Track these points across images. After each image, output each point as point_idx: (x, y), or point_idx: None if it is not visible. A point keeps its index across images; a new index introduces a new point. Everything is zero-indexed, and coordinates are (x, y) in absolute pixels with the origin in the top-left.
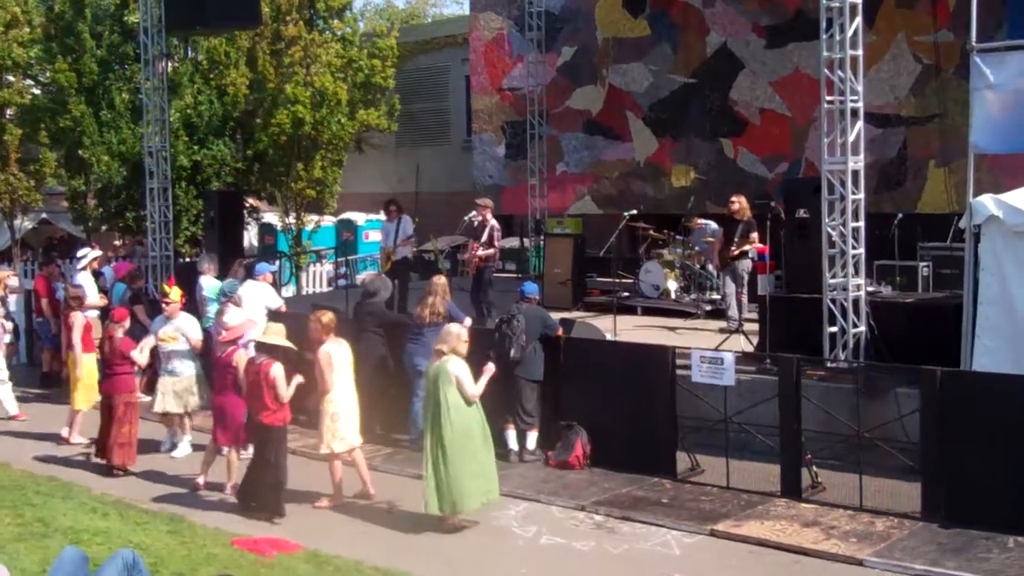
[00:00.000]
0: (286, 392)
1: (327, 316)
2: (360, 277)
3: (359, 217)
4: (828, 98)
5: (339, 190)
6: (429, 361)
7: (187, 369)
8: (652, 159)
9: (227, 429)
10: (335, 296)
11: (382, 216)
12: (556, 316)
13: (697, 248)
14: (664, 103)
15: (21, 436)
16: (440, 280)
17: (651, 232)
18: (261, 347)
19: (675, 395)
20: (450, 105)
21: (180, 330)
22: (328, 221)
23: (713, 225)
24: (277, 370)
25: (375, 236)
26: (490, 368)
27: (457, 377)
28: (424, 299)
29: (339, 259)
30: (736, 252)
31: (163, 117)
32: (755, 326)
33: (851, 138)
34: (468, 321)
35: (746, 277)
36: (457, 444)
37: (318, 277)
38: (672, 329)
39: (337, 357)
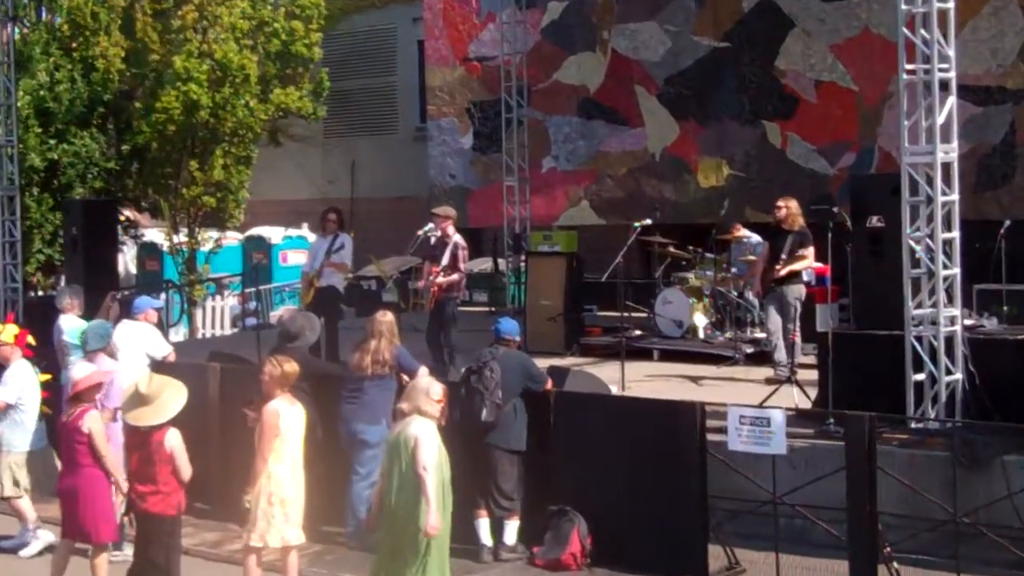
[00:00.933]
0: (188, 467)
1: (290, 365)
2: (276, 314)
3: (274, 233)
4: (908, 66)
5: (247, 197)
6: (379, 425)
7: (21, 438)
8: (671, 150)
9: (84, 520)
10: (242, 340)
11: (306, 231)
12: (543, 364)
13: (734, 270)
14: (687, 75)
15: None
16: (386, 317)
17: (671, 249)
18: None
19: (705, 468)
20: (397, 81)
21: (9, 383)
22: (232, 239)
23: (755, 238)
24: (174, 438)
25: (296, 258)
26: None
27: (416, 437)
28: (364, 343)
29: (247, 290)
30: (785, 274)
31: (8, 102)
32: (812, 374)
33: (940, 120)
34: (425, 372)
35: (799, 308)
36: (423, 540)
37: (219, 315)
38: (701, 380)
39: (288, 420)
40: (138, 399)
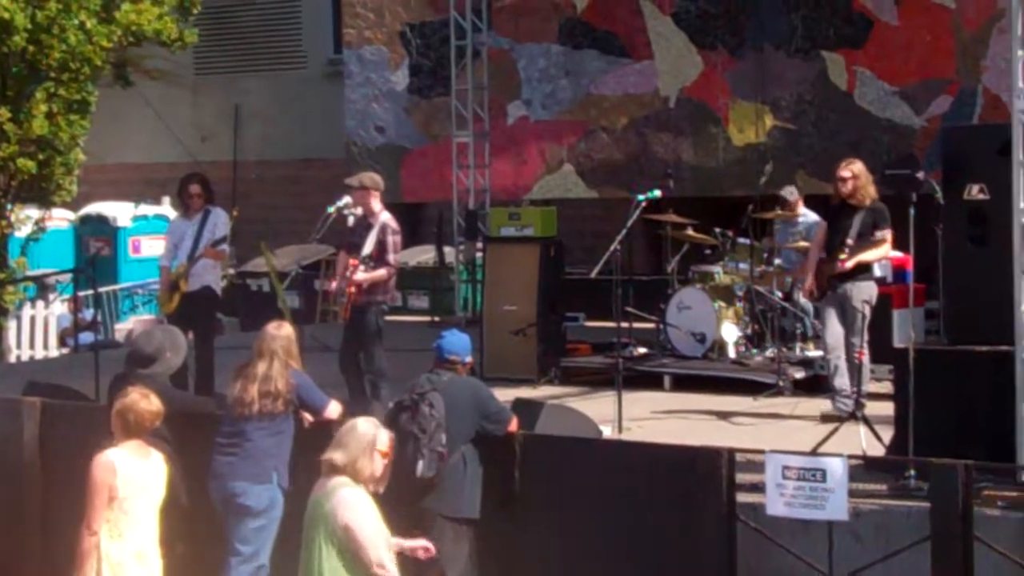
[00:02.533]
0: None
1: (147, 401)
2: (125, 328)
3: (121, 212)
4: None
5: (82, 160)
6: (267, 484)
7: None
8: (691, 93)
9: None
10: (73, 364)
11: (167, 209)
12: (507, 396)
13: (778, 261)
14: None
15: None
16: (281, 331)
17: (690, 232)
18: None
19: (735, 541)
20: None
21: None
22: (61, 220)
23: (810, 217)
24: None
25: (153, 247)
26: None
27: (347, 525)
28: (249, 368)
29: (81, 293)
30: (851, 267)
31: None
32: (887, 407)
33: None
34: (336, 408)
35: (868, 314)
36: None
37: (40, 328)
38: (730, 416)
39: (133, 479)
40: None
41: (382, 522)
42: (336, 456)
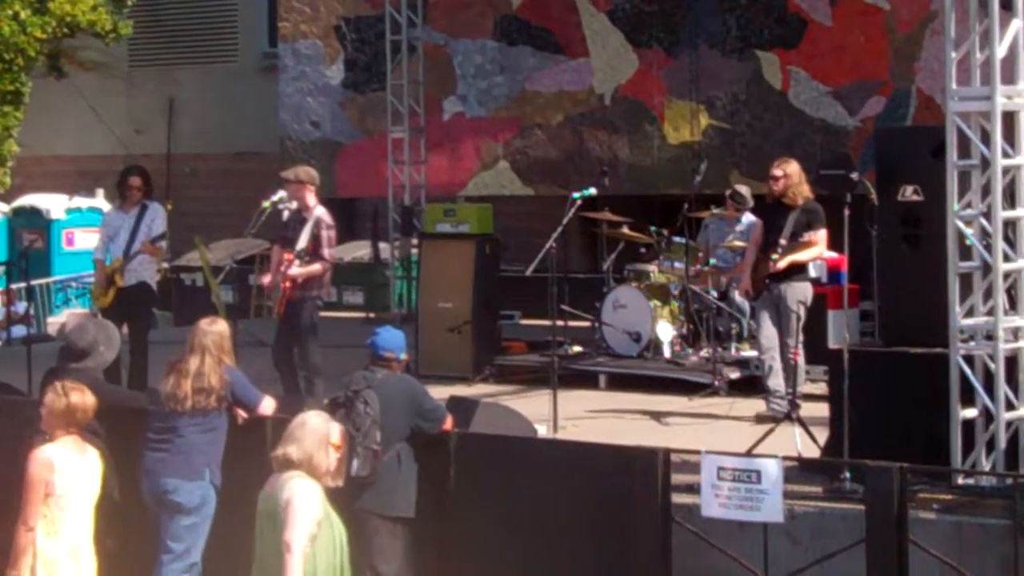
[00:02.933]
0: None
1: (79, 394)
2: (58, 321)
3: (55, 204)
4: None
5: (16, 151)
6: (199, 480)
7: None
8: (627, 91)
9: None
10: (5, 358)
11: (101, 201)
12: (441, 393)
13: (714, 260)
14: None
15: None
16: (214, 327)
17: (625, 231)
18: None
19: (670, 542)
20: None
21: None
22: None
23: (746, 218)
24: None
25: (86, 240)
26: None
27: (288, 501)
28: (182, 363)
29: (13, 286)
30: (784, 267)
31: None
32: (822, 408)
33: (1001, 51)
34: (270, 404)
35: (803, 314)
36: None
37: None
38: (665, 416)
39: (69, 474)
40: None
41: (328, 515)
42: (291, 451)
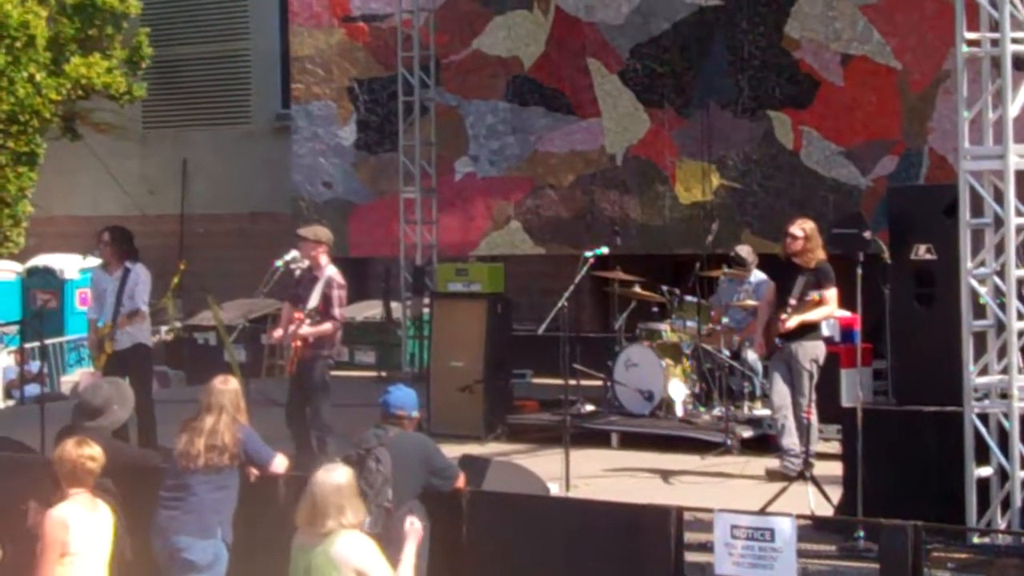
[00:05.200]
0: None
1: (92, 451)
2: (71, 380)
3: (68, 264)
4: (969, 35)
5: (30, 211)
6: (211, 539)
7: None
8: (638, 151)
9: None
10: (19, 417)
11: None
12: (454, 452)
13: (726, 319)
14: (661, 44)
15: None
16: (227, 385)
17: (637, 290)
18: None
19: None
20: (251, 48)
21: None
22: (8, 271)
23: (757, 276)
24: None
25: None
26: (416, 528)
27: (360, 570)
28: (195, 421)
29: (27, 345)
30: (796, 326)
31: None
32: (835, 467)
33: (1013, 110)
34: (282, 462)
35: (816, 373)
36: None
37: None
38: (677, 475)
39: (84, 533)
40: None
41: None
42: (339, 501)
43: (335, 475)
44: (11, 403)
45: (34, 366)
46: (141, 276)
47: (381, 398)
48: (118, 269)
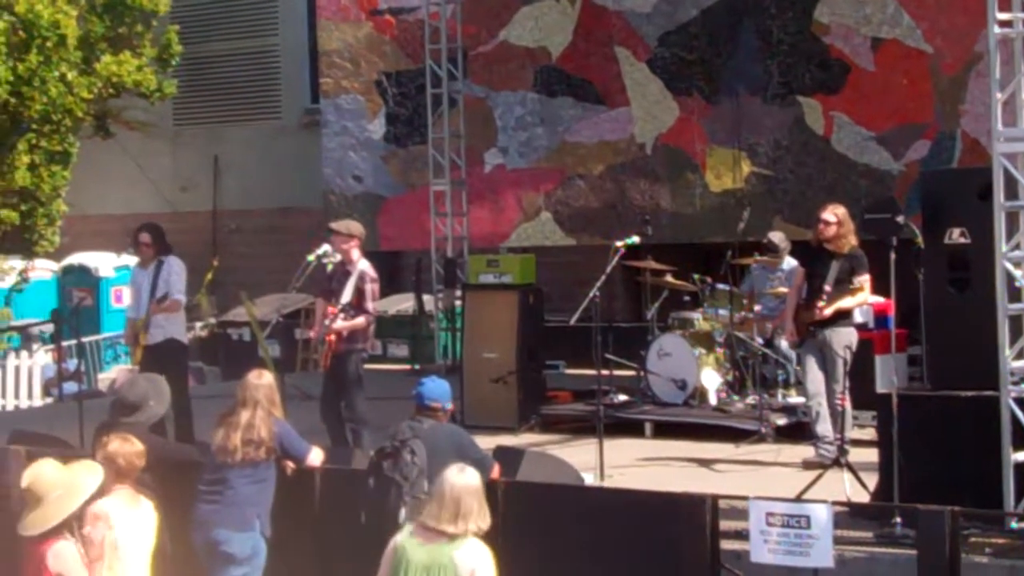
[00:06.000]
0: None
1: (132, 446)
2: (108, 377)
3: (103, 262)
4: (1002, 16)
5: (64, 211)
6: (249, 532)
7: None
8: (668, 139)
9: None
10: (57, 413)
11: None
12: (488, 443)
13: (758, 307)
14: (689, 32)
15: None
16: (262, 380)
17: (669, 279)
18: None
19: None
20: (279, 44)
21: None
22: (44, 271)
23: (789, 263)
24: (62, 555)
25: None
26: None
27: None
28: (231, 416)
29: (64, 343)
30: (830, 313)
31: None
32: (871, 453)
33: None
34: (318, 455)
35: (849, 360)
36: None
37: (24, 378)
38: (712, 464)
39: (128, 527)
40: (27, 499)
41: None
42: (449, 527)
43: (469, 476)
44: (49, 400)
45: (71, 364)
46: (175, 267)
47: (414, 390)
48: (152, 263)
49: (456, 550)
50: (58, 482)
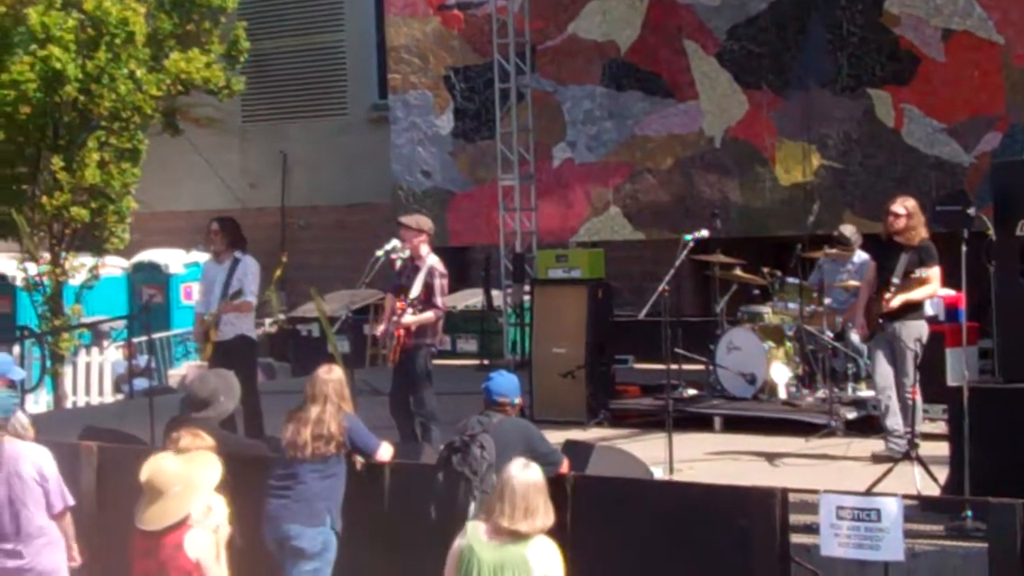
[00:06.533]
0: None
1: (203, 440)
2: (179, 373)
3: (173, 259)
4: None
5: (134, 207)
6: (320, 527)
7: None
8: (736, 132)
9: None
10: (128, 410)
11: (204, 254)
12: (557, 438)
13: (828, 300)
14: (758, 25)
15: None
16: (332, 375)
17: (738, 273)
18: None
19: None
20: (346, 40)
21: None
22: (114, 268)
23: (860, 256)
24: (199, 542)
25: None
26: None
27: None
28: (301, 411)
29: (135, 340)
30: (899, 306)
31: None
32: (942, 447)
33: None
34: (388, 450)
35: (919, 352)
36: None
37: (95, 374)
38: (781, 458)
39: (219, 519)
40: (146, 492)
41: None
42: (522, 526)
43: (533, 473)
44: (120, 397)
45: (142, 360)
46: (251, 267)
47: (483, 385)
48: (227, 258)
49: (528, 549)
50: (178, 476)
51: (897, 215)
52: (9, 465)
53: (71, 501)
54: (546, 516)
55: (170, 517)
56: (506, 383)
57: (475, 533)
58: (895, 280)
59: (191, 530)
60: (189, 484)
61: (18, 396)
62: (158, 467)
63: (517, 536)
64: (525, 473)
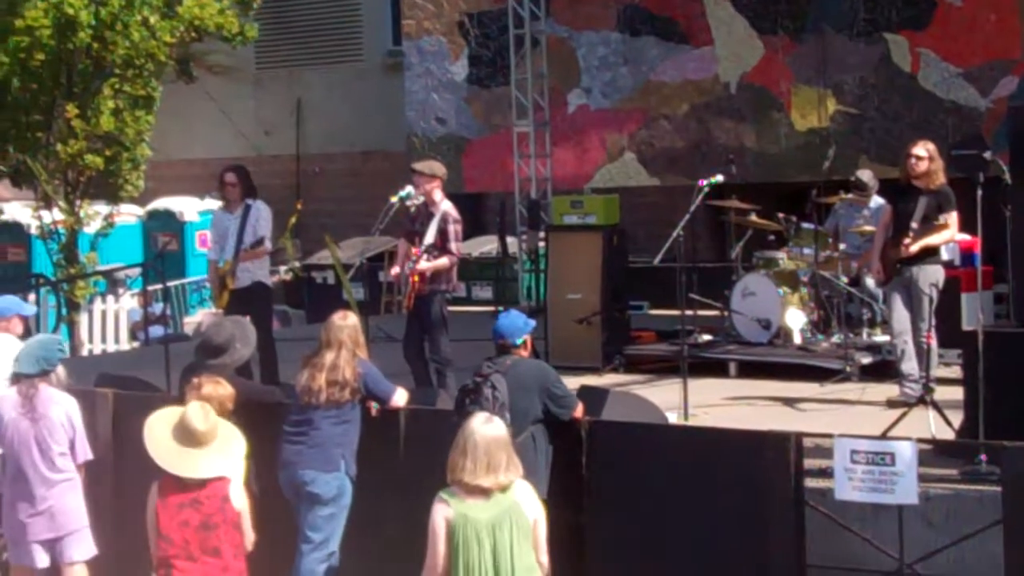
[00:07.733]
0: (251, 534)
1: (223, 387)
2: (194, 320)
3: (188, 206)
4: None
5: (148, 155)
6: (335, 472)
7: None
8: (752, 78)
9: None
10: (144, 357)
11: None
12: (573, 383)
13: (843, 246)
14: None
15: None
16: (347, 321)
17: (753, 219)
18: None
19: (803, 526)
20: None
21: None
22: (129, 215)
23: (876, 202)
24: (241, 493)
25: None
26: None
27: (537, 520)
28: (316, 357)
29: (150, 288)
30: (917, 250)
31: None
32: (956, 391)
33: None
34: (402, 396)
35: (936, 297)
36: None
37: (111, 322)
38: (797, 402)
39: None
40: (186, 437)
41: None
42: (504, 477)
43: (495, 427)
44: (136, 344)
45: (157, 308)
46: (263, 212)
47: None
48: (239, 207)
49: (513, 496)
50: (215, 429)
51: (919, 157)
52: (41, 408)
53: (91, 455)
54: (508, 470)
55: (218, 469)
56: (504, 324)
57: (457, 501)
58: (913, 225)
59: (232, 481)
60: (232, 436)
61: (65, 349)
62: (194, 415)
63: (489, 491)
64: (487, 427)
